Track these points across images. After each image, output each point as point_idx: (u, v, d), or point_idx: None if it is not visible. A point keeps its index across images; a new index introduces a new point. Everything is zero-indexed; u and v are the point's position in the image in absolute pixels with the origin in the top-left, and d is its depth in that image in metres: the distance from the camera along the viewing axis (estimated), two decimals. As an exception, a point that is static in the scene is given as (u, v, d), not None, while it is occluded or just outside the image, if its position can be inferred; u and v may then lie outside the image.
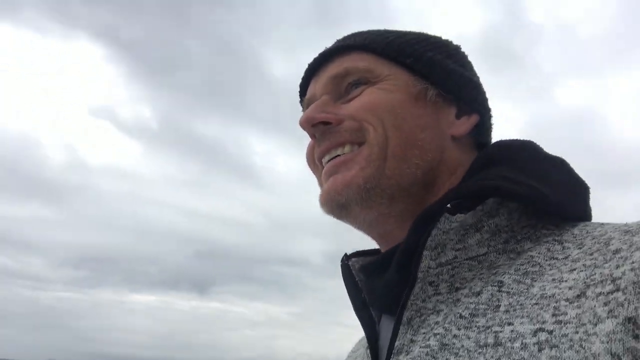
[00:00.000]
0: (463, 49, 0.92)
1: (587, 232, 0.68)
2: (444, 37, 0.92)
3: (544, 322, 0.58)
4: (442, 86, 0.84)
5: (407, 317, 0.70)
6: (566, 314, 0.58)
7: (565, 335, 0.56)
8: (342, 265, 0.87)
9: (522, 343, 0.58)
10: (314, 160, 0.86)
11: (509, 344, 0.59)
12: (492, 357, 0.59)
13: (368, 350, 0.80)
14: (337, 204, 0.78)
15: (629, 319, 0.53)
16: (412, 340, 0.68)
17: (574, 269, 0.62)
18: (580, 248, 0.65)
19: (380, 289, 0.77)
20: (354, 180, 0.77)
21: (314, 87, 0.88)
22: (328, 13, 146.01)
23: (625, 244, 0.61)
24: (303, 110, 0.91)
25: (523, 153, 0.78)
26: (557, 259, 0.66)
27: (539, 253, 0.68)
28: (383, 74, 0.83)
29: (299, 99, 0.95)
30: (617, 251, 0.61)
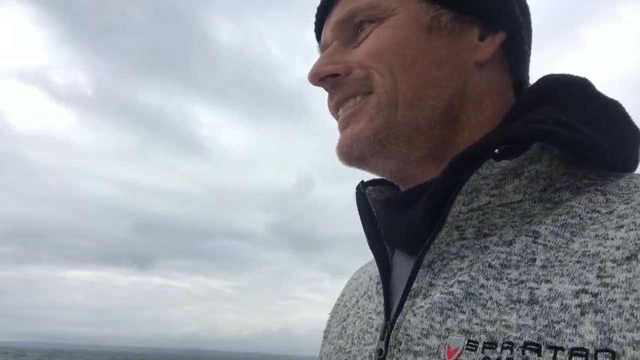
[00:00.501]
0: None
1: (635, 185, 0.62)
2: None
3: (587, 284, 0.54)
4: (458, 6, 0.75)
5: (428, 259, 0.67)
6: (614, 276, 0.52)
7: (613, 300, 0.51)
8: (357, 193, 0.84)
9: (562, 304, 0.54)
10: (333, 114, 0.82)
11: (546, 303, 0.55)
12: (527, 314, 0.55)
13: (379, 286, 0.77)
14: (352, 157, 0.75)
15: None
16: (431, 284, 0.65)
17: (621, 226, 0.57)
18: (627, 203, 0.60)
19: (403, 226, 0.73)
20: (362, 132, 0.73)
21: (325, 33, 0.82)
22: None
23: None
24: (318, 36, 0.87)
25: (577, 92, 0.69)
26: (599, 212, 0.60)
27: (579, 203, 0.63)
28: (390, 7, 0.76)
29: (316, 28, 0.88)
30: None
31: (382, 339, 0.68)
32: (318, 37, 0.86)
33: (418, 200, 0.70)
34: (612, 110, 0.69)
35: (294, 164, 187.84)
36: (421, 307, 0.64)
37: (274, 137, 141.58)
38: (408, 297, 0.66)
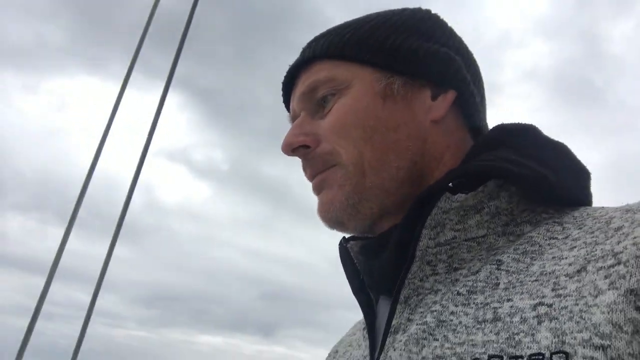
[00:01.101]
0: (434, 12, 0.87)
1: (587, 214, 0.68)
2: (412, 7, 0.87)
3: (543, 297, 0.58)
4: (408, 72, 0.80)
5: (404, 295, 0.69)
6: (566, 287, 0.57)
7: (565, 307, 0.55)
8: (340, 248, 0.86)
9: (521, 317, 0.57)
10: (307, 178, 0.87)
11: (507, 319, 0.58)
12: (490, 331, 0.58)
13: (364, 331, 0.79)
14: (332, 221, 0.79)
15: (630, 291, 0.53)
16: (409, 319, 0.68)
17: (574, 247, 0.62)
18: (580, 228, 0.65)
19: (378, 268, 0.76)
20: (336, 198, 0.78)
21: (293, 104, 0.86)
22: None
23: (627, 221, 0.60)
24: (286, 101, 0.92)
25: (525, 136, 0.75)
26: (557, 238, 0.65)
27: (538, 234, 0.67)
28: (347, 79, 0.80)
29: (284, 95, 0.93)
30: (618, 228, 0.60)
31: None
32: (287, 107, 0.91)
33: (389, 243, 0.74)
34: (560, 151, 0.74)
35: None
36: (400, 341, 0.66)
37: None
38: (389, 335, 0.68)
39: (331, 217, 0.78)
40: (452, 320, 0.63)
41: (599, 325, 0.52)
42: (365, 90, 0.79)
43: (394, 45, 0.80)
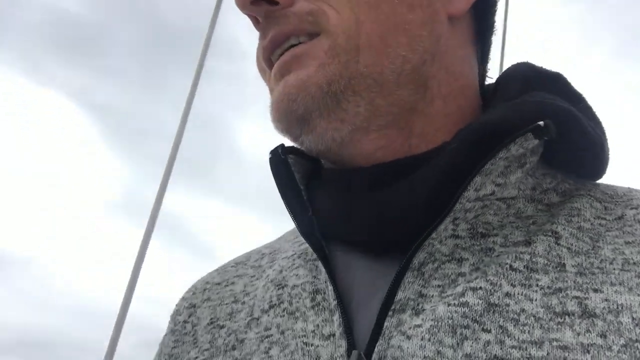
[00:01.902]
0: None
1: (620, 192, 0.55)
2: None
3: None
4: None
5: (418, 260, 0.49)
6: None
7: None
8: (274, 161, 0.60)
9: (634, 318, 0.41)
10: (263, 63, 0.60)
11: (610, 317, 0.42)
12: (588, 331, 0.41)
13: (319, 295, 0.54)
14: (293, 114, 0.54)
15: None
16: (421, 294, 0.48)
17: None
18: (633, 206, 0.52)
19: (382, 211, 0.52)
20: (311, 79, 0.53)
21: None
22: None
23: None
24: None
25: (565, 88, 0.58)
26: (605, 219, 0.51)
27: (583, 206, 0.52)
28: None
29: None
30: None
31: None
32: None
33: (400, 178, 0.52)
34: (592, 111, 0.58)
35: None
36: (417, 326, 0.45)
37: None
38: (391, 314, 0.47)
39: (295, 108, 0.53)
40: (509, 305, 0.44)
41: None
42: None
43: None
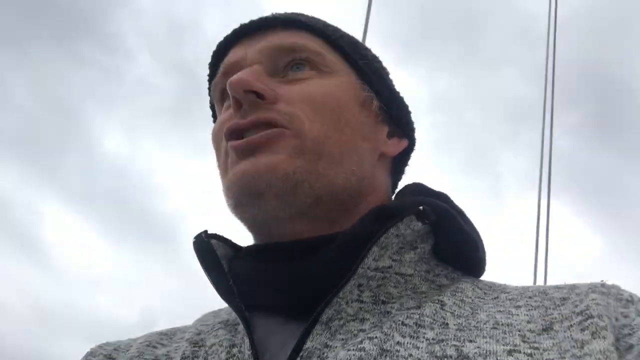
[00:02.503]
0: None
1: (497, 285, 0.68)
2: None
3: (515, 345, 0.53)
4: (384, 98, 0.76)
5: (327, 316, 0.57)
6: (539, 342, 0.54)
7: (551, 359, 0.52)
8: (199, 244, 0.70)
9: (497, 358, 0.52)
10: (223, 136, 0.70)
11: (480, 359, 0.52)
12: None
13: (235, 349, 0.62)
14: (253, 191, 0.63)
15: (617, 340, 0.53)
16: (326, 345, 0.56)
17: (519, 306, 0.61)
18: (507, 292, 0.64)
19: (296, 278, 0.63)
20: (281, 165, 0.63)
21: (244, 51, 0.73)
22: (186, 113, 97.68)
23: (572, 292, 0.62)
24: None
25: (448, 199, 0.74)
26: (484, 299, 0.63)
27: (466, 288, 0.65)
28: (334, 67, 0.73)
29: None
30: (564, 299, 0.61)
31: None
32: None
33: (313, 252, 0.62)
34: (471, 221, 0.74)
35: (140, 299, 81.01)
36: None
37: (129, 263, 74.64)
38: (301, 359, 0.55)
39: (260, 184, 0.63)
40: (399, 351, 0.53)
41: None
42: (348, 87, 0.72)
43: (379, 69, 0.78)
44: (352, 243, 0.61)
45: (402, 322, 0.57)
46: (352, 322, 0.58)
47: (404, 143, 0.78)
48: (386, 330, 0.56)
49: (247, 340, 0.59)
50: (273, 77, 0.70)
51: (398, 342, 0.54)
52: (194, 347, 0.65)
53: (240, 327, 0.62)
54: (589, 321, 0.55)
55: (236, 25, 0.77)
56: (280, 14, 0.77)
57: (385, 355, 0.53)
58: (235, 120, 0.67)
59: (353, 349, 0.54)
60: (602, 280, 0.64)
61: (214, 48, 0.81)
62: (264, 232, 0.69)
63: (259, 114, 0.66)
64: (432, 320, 0.57)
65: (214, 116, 0.82)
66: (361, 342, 0.55)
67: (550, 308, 0.60)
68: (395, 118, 0.78)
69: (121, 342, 0.74)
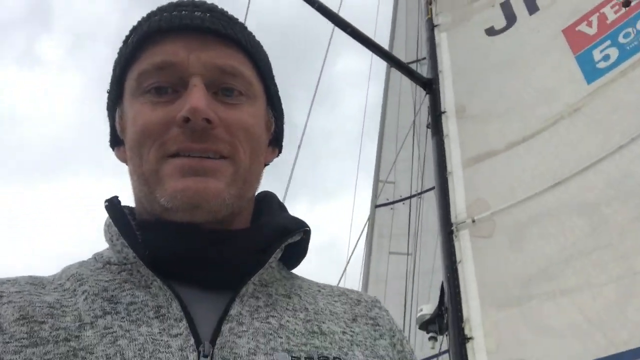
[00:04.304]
0: None
1: (310, 280, 0.96)
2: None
3: (343, 327, 0.84)
4: (278, 121, 0.93)
5: (242, 292, 0.78)
6: (353, 328, 0.84)
7: (361, 340, 0.83)
8: (112, 208, 0.82)
9: (339, 336, 0.81)
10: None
11: (330, 335, 0.81)
12: (324, 340, 0.79)
13: (163, 309, 0.73)
14: (195, 205, 0.76)
15: (392, 344, 0.88)
16: (240, 314, 0.76)
17: (336, 301, 0.90)
18: (321, 287, 0.94)
19: (221, 258, 0.79)
20: (222, 194, 0.77)
21: (186, 55, 0.78)
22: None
23: (359, 296, 0.95)
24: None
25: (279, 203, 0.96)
26: (317, 291, 0.92)
27: (302, 283, 0.92)
28: (257, 94, 0.85)
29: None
30: (358, 300, 0.93)
31: (205, 357, 0.69)
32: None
33: (231, 242, 0.81)
34: None
35: None
36: (244, 331, 0.73)
37: None
38: (226, 322, 0.73)
39: (203, 203, 0.76)
40: (288, 326, 0.79)
41: (384, 356, 0.83)
42: (263, 113, 0.87)
43: (276, 86, 0.93)
44: (262, 245, 0.84)
45: (286, 308, 0.82)
46: (250, 299, 0.79)
47: (276, 153, 0.96)
48: (279, 312, 0.81)
49: (175, 304, 0.73)
50: (212, 95, 0.79)
51: (287, 321, 0.80)
52: (110, 303, 0.72)
53: (157, 290, 0.74)
54: (377, 327, 0.88)
55: (172, 2, 0.82)
56: (215, 20, 0.81)
57: (282, 328, 0.78)
58: (188, 143, 0.76)
59: (263, 322, 0.77)
60: (375, 296, 0.98)
61: (137, 19, 0.84)
62: (192, 222, 0.79)
63: (208, 144, 0.77)
64: (299, 306, 0.84)
65: (116, 86, 0.85)
66: (266, 317, 0.78)
67: (352, 305, 0.90)
68: (278, 131, 0.94)
69: None
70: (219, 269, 0.78)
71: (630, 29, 3.07)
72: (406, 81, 5.86)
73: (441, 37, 4.18)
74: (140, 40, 0.81)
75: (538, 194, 3.01)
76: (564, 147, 3.06)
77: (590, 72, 3.15)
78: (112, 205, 0.82)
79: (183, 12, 0.80)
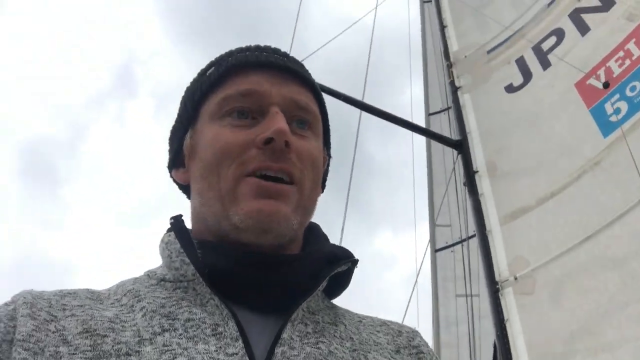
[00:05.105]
0: None
1: (350, 311, 0.93)
2: None
3: (389, 358, 0.83)
4: (328, 154, 0.98)
5: (293, 317, 0.77)
6: (396, 359, 0.84)
7: None
8: (178, 226, 0.85)
9: None
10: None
11: None
12: None
13: (219, 327, 0.74)
14: (266, 228, 0.79)
15: None
16: (292, 338, 0.75)
17: (379, 332, 0.88)
18: (361, 318, 0.91)
19: (280, 283, 0.79)
20: (290, 218, 0.80)
21: (269, 88, 0.86)
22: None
23: (402, 327, 0.93)
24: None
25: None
26: (358, 322, 0.90)
27: (344, 313, 0.90)
28: (320, 132, 0.91)
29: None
30: (400, 332, 0.90)
31: None
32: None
33: (287, 268, 0.81)
34: None
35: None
36: (295, 355, 0.73)
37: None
38: (278, 346, 0.73)
39: (274, 226, 0.79)
40: (336, 354, 0.77)
41: None
42: (321, 149, 0.92)
43: (329, 129, 0.99)
44: (314, 271, 0.82)
45: (334, 335, 0.81)
46: (300, 325, 0.78)
47: (320, 190, 0.94)
48: (327, 339, 0.79)
49: (231, 323, 0.73)
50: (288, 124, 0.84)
51: (336, 348, 0.78)
52: (168, 319, 0.73)
53: (214, 308, 0.75)
54: (421, 354, 0.86)
55: (253, 45, 0.92)
56: (292, 63, 0.91)
57: (331, 355, 0.76)
58: (267, 162, 0.81)
59: (313, 347, 0.76)
60: (415, 327, 0.93)
61: (225, 50, 0.93)
62: (255, 245, 0.81)
63: (284, 164, 0.81)
64: (345, 335, 0.83)
65: (192, 110, 0.90)
66: (316, 343, 0.77)
67: (394, 336, 0.88)
68: (325, 172, 0.98)
69: (46, 296, 0.76)
70: (274, 292, 0.79)
71: (636, 82, 3.24)
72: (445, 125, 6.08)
73: (465, 99, 4.43)
74: (227, 70, 0.88)
75: (571, 249, 3.19)
76: (589, 201, 3.23)
77: (605, 125, 3.32)
78: (177, 222, 0.85)
79: (264, 52, 0.91)
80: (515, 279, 3.42)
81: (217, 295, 0.75)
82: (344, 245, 0.94)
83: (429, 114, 6.64)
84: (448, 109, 5.81)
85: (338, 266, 0.84)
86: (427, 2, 6.66)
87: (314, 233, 0.92)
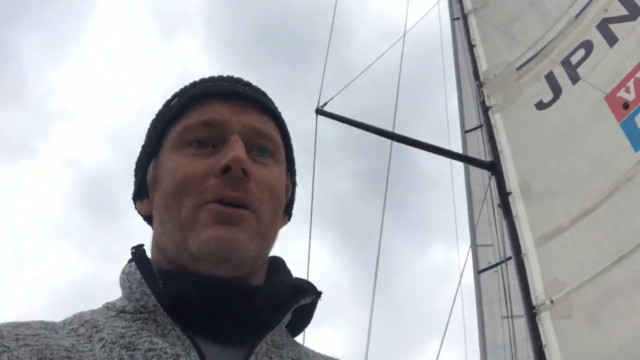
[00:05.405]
0: None
1: (312, 350, 0.90)
2: None
3: None
4: (293, 188, 0.97)
5: (257, 349, 0.76)
6: None
7: None
8: (138, 257, 0.82)
9: None
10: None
11: None
12: None
13: (186, 358, 0.72)
14: (222, 259, 0.78)
15: None
16: None
17: None
18: (320, 356, 0.90)
19: (244, 313, 0.79)
20: (247, 245, 0.80)
21: (229, 116, 0.86)
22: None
23: None
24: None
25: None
26: (313, 356, 0.88)
27: (304, 348, 0.89)
28: (282, 160, 0.91)
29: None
30: None
31: None
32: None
33: (249, 298, 0.80)
34: None
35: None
36: None
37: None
38: None
39: (231, 254, 0.78)
40: None
41: None
42: (284, 177, 0.92)
43: (293, 157, 0.99)
44: (277, 301, 0.82)
45: None
46: (265, 358, 0.78)
47: (286, 219, 0.96)
48: None
49: (193, 353, 0.72)
50: (247, 152, 0.83)
51: None
52: (128, 350, 0.71)
53: (175, 339, 0.74)
54: None
55: (216, 76, 0.94)
56: (254, 92, 0.92)
57: None
58: (225, 191, 0.80)
59: None
60: None
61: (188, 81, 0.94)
62: (213, 275, 0.79)
63: (245, 193, 0.81)
64: None
65: (155, 140, 0.90)
66: None
67: None
68: (291, 200, 0.97)
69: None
70: (236, 322, 0.78)
71: (665, 94, 3.12)
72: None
73: (496, 119, 4.37)
74: (189, 100, 0.89)
75: (606, 269, 3.08)
76: (623, 219, 3.12)
77: (636, 139, 3.21)
78: (138, 252, 0.83)
79: (226, 82, 0.92)
80: (552, 302, 3.32)
81: (179, 326, 0.74)
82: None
83: (465, 131, 6.54)
84: (481, 126, 5.74)
85: (302, 297, 0.84)
86: (457, 19, 6.61)
87: (278, 267, 0.92)
